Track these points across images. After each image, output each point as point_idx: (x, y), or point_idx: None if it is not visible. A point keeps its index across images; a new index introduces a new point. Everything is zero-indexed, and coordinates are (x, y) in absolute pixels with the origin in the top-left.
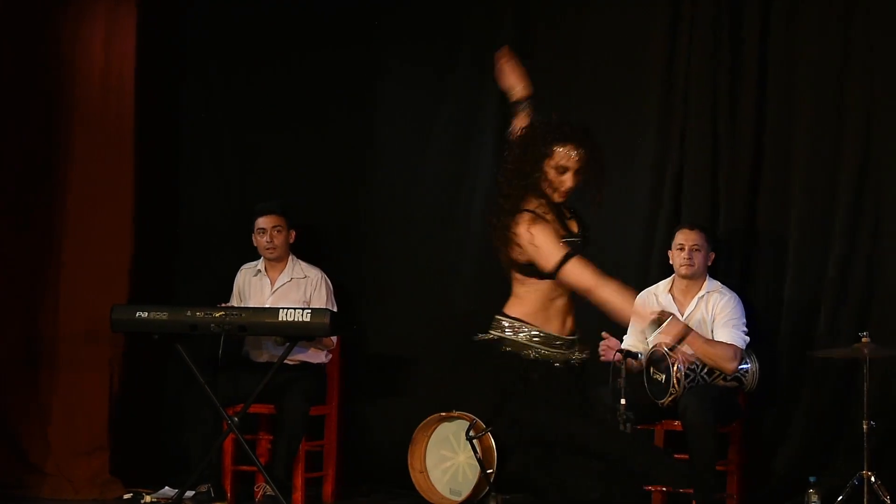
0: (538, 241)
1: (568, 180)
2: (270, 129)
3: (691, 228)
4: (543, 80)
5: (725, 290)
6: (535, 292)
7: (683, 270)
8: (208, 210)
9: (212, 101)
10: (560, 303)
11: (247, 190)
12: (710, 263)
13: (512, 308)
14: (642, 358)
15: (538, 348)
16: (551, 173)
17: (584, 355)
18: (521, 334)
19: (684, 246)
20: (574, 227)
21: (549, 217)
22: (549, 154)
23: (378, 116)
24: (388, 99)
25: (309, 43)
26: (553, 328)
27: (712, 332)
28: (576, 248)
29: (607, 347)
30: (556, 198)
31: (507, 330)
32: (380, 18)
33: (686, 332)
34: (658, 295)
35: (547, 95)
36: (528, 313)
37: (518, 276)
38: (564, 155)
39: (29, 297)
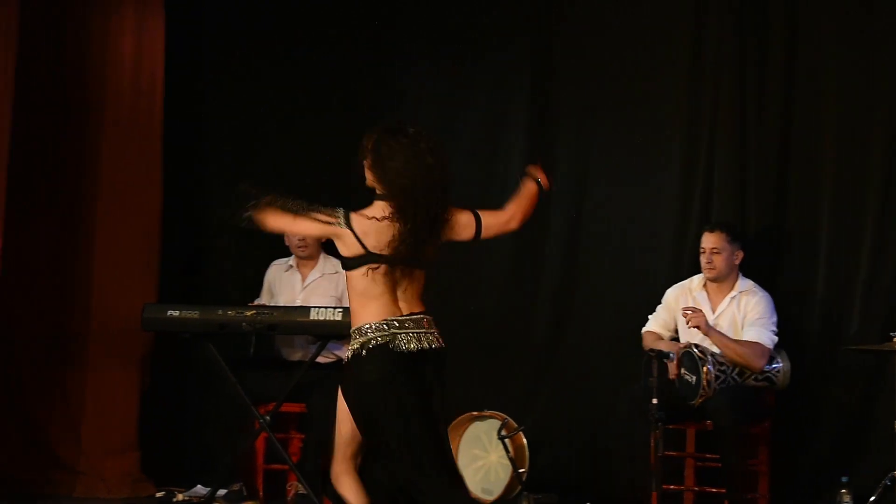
0: None
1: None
2: (295, 126)
3: (711, 231)
4: (567, 79)
5: (758, 289)
6: None
7: (706, 273)
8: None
9: (236, 98)
10: None
11: (273, 188)
12: (737, 262)
13: None
14: (674, 358)
15: None
16: None
17: None
18: None
19: (705, 249)
20: None
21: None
22: None
23: (401, 113)
24: (412, 95)
25: (332, 40)
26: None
27: (742, 330)
28: None
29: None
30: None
31: None
32: (403, 12)
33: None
34: (692, 290)
35: (570, 93)
36: None
37: None
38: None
39: (59, 297)
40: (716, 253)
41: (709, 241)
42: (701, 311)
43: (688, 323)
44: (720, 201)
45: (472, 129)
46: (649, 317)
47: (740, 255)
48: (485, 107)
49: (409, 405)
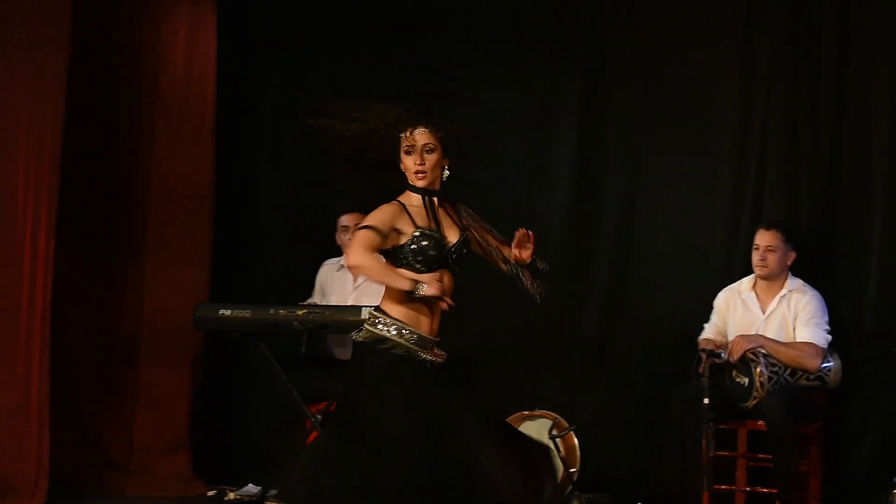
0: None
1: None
2: None
3: (767, 229)
4: (618, 77)
5: (808, 288)
6: None
7: (757, 271)
8: (287, 207)
9: (287, 97)
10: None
11: (325, 187)
12: (789, 263)
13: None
14: (725, 357)
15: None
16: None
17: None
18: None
19: (759, 246)
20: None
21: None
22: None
23: (452, 113)
24: (462, 94)
25: (382, 37)
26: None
27: (794, 330)
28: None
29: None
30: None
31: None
32: (451, 13)
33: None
34: (741, 292)
35: (622, 92)
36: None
37: None
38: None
39: (111, 295)
40: (770, 251)
41: (764, 238)
42: (737, 339)
43: (731, 357)
44: (772, 202)
45: (521, 128)
46: (704, 325)
47: (793, 255)
48: (535, 107)
49: None
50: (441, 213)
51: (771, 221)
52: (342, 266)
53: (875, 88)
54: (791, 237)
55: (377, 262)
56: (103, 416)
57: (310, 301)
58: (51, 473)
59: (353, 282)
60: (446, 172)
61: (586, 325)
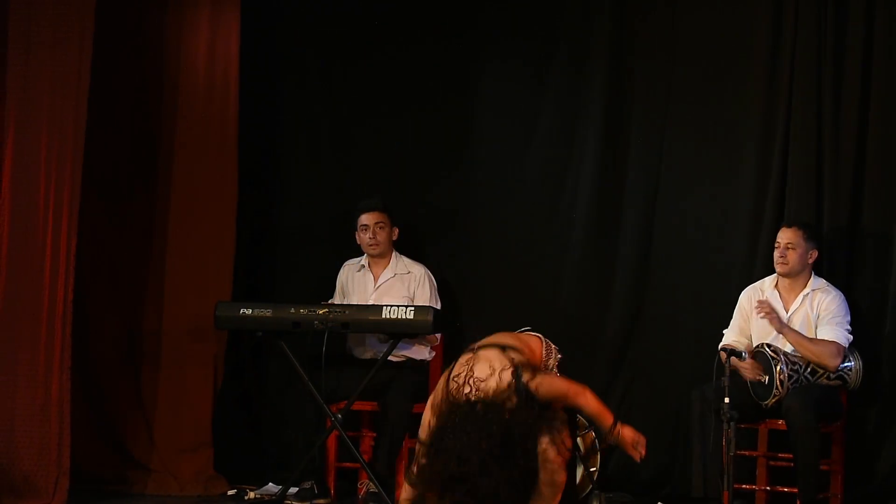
0: None
1: None
2: (368, 125)
3: (788, 226)
4: (642, 78)
5: (831, 287)
6: None
7: (778, 268)
8: (308, 207)
9: (310, 97)
10: None
11: (346, 187)
12: (810, 261)
13: None
14: (746, 356)
15: None
16: None
17: None
18: None
19: (780, 244)
20: None
21: None
22: None
23: (477, 111)
24: (488, 93)
25: (406, 37)
26: None
27: (816, 329)
28: None
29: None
30: None
31: None
32: (478, 12)
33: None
34: (764, 290)
35: (645, 91)
36: None
37: None
38: None
39: (132, 294)
40: (790, 248)
41: (784, 236)
42: (774, 309)
43: (760, 315)
44: (795, 201)
45: (546, 126)
46: (724, 332)
47: (815, 254)
48: (560, 104)
49: None
50: None
51: (793, 220)
52: (362, 266)
53: None
54: (812, 235)
55: None
56: (126, 415)
57: (330, 302)
58: (72, 472)
59: (373, 282)
60: None
61: (608, 325)
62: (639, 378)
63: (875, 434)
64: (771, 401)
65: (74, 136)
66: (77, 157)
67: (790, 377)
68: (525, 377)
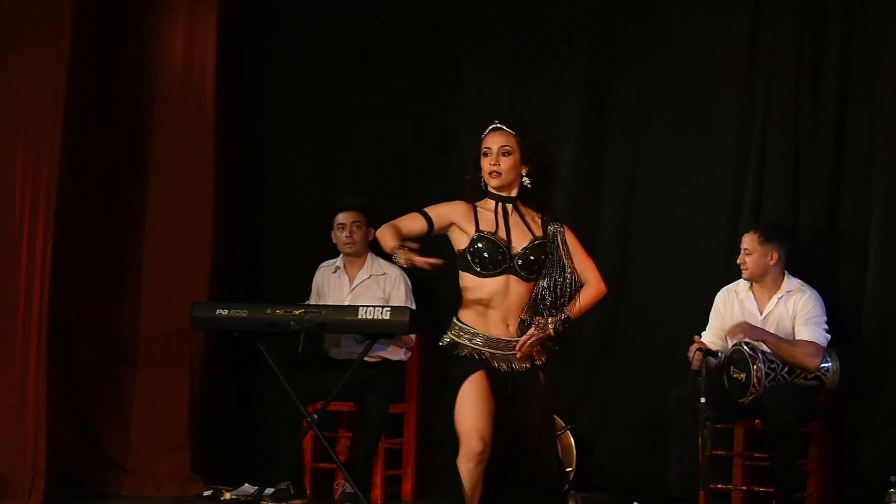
0: None
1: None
2: (351, 125)
3: (748, 231)
4: (622, 80)
5: (806, 287)
6: None
7: (742, 274)
8: (289, 208)
9: (292, 97)
10: None
11: (327, 188)
12: (771, 263)
13: None
14: (722, 357)
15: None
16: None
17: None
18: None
19: (741, 249)
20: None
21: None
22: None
23: (460, 114)
24: (470, 95)
25: (390, 38)
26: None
27: (793, 329)
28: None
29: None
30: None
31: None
32: (465, 14)
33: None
34: (738, 292)
35: (626, 95)
36: None
37: None
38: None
39: (110, 296)
40: (747, 253)
41: (744, 241)
42: (738, 325)
43: (732, 338)
44: (772, 202)
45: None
46: (702, 334)
47: (775, 255)
48: (541, 102)
49: None
50: (516, 222)
51: (756, 223)
52: (338, 267)
53: (875, 88)
54: (771, 237)
55: (386, 232)
56: (103, 415)
57: (307, 303)
58: (48, 472)
59: (349, 283)
60: (525, 180)
61: (587, 325)
62: (617, 379)
63: (853, 434)
64: (747, 398)
65: (51, 136)
66: (54, 158)
67: (767, 375)
68: None
